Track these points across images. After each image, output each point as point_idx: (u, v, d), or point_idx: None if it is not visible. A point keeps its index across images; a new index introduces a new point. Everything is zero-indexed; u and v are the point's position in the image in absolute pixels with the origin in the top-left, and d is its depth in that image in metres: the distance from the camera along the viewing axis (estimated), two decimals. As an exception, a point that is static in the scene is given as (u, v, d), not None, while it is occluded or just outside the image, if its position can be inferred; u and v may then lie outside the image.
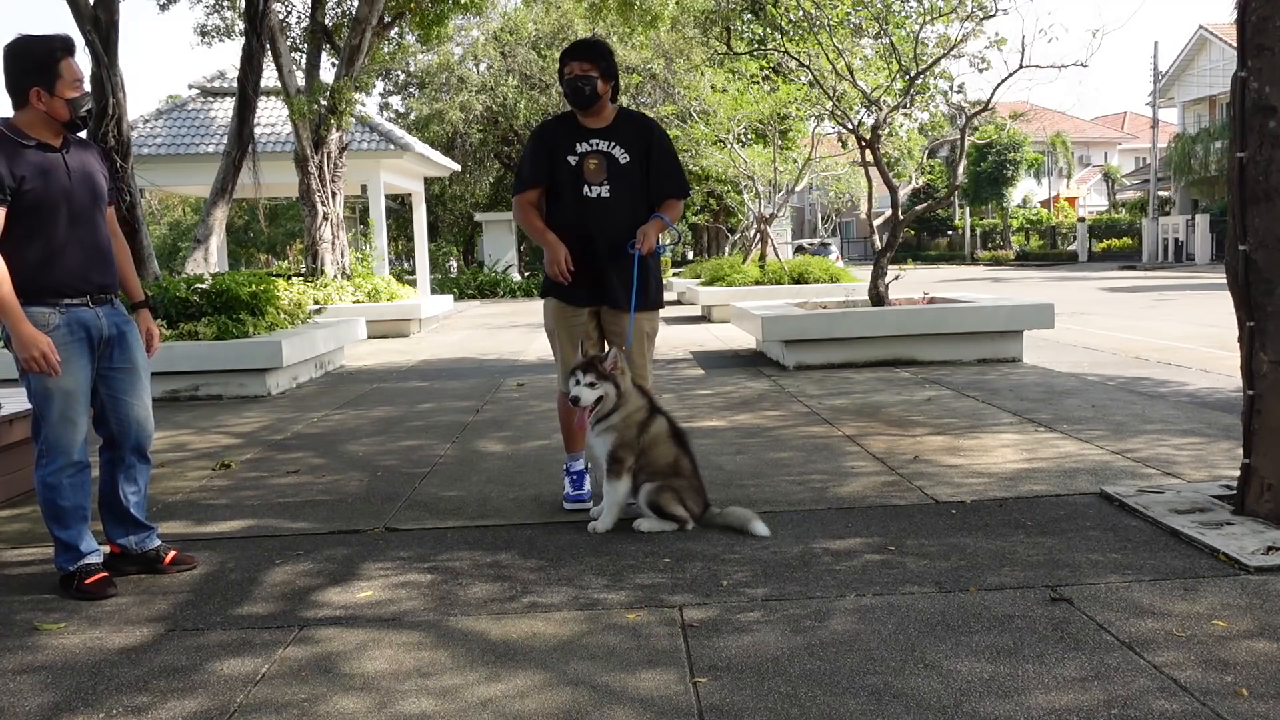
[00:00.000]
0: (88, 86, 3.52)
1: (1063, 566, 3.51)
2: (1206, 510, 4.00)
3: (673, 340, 12.13)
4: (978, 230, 50.47)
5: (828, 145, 23.44)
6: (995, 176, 47.06)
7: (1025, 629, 2.97)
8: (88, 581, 3.59)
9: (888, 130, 13.87)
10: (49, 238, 3.50)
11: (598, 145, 4.31)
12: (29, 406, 5.18)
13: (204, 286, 9.31)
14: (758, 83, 17.77)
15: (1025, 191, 50.97)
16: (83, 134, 3.73)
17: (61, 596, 3.59)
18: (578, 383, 4.05)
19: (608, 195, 4.30)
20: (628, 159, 4.32)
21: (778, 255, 17.95)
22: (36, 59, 3.45)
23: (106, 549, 3.84)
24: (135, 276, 3.96)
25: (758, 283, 16.25)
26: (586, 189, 4.30)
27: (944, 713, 2.49)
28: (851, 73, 10.88)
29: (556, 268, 4.31)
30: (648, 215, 4.36)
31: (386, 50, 19.03)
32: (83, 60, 3.64)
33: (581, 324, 4.43)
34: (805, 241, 40.44)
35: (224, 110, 20.58)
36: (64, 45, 3.50)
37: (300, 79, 16.21)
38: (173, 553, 3.88)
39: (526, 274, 31.79)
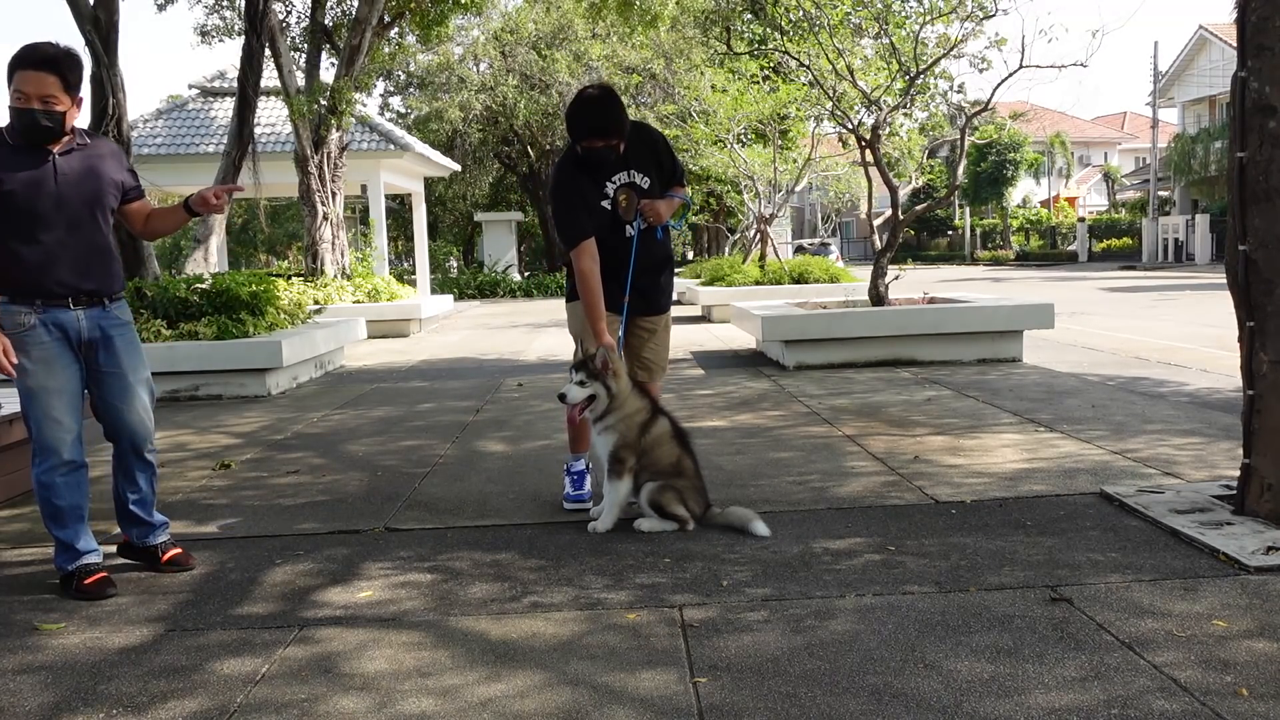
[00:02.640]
0: (51, 105, 3.49)
1: (1063, 566, 3.51)
2: (1206, 510, 4.00)
3: (673, 340, 12.04)
4: (978, 230, 50.47)
5: (828, 145, 23.43)
6: (995, 176, 47.05)
7: (1025, 629, 2.97)
8: (86, 582, 3.59)
9: (888, 130, 13.86)
10: (28, 239, 3.51)
11: (621, 179, 4.31)
12: (29, 407, 5.20)
13: (204, 286, 9.31)
14: (758, 83, 17.77)
15: (1025, 191, 50.97)
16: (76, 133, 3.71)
17: (61, 596, 3.60)
18: (569, 380, 4.07)
19: (645, 227, 4.34)
20: (648, 182, 4.35)
21: (778, 255, 17.94)
22: (7, 66, 3.51)
23: (120, 539, 3.90)
24: (171, 215, 3.92)
25: (758, 283, 16.26)
26: (628, 229, 4.32)
27: (944, 713, 2.49)
28: (851, 73, 10.88)
29: (604, 355, 4.18)
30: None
31: (386, 50, 19.01)
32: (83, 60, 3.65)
33: (613, 323, 4.36)
34: (805, 241, 40.43)
35: (224, 110, 20.58)
36: (25, 57, 3.46)
37: (300, 79, 16.21)
38: (171, 551, 3.88)
39: (526, 274, 31.82)
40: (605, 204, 4.28)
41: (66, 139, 3.61)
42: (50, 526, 3.67)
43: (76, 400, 3.65)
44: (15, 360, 3.49)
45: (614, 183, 4.29)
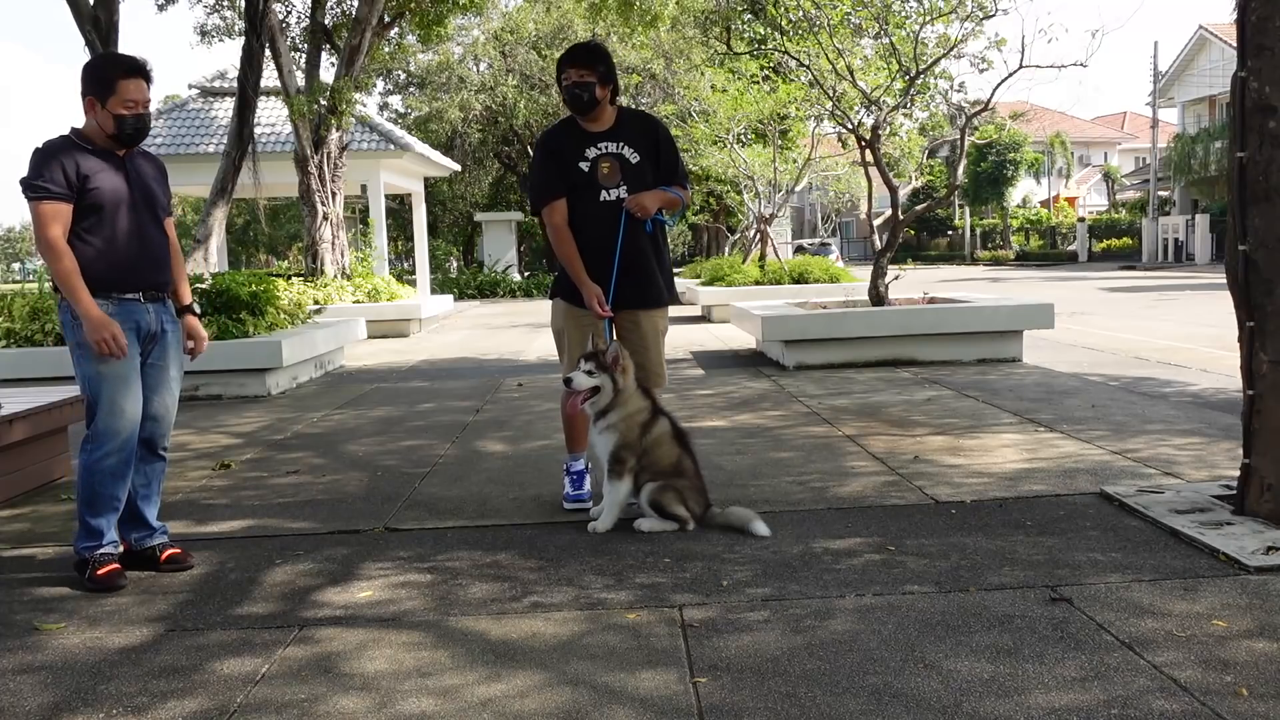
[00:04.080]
0: (148, 109, 3.79)
1: (1063, 566, 3.51)
2: (1206, 510, 4.00)
3: (673, 340, 12.05)
4: (978, 230, 50.46)
5: (828, 145, 23.43)
6: (995, 176, 47.04)
7: (1025, 629, 2.97)
8: (100, 572, 3.66)
9: (888, 130, 13.86)
10: (109, 236, 3.71)
11: (607, 148, 4.29)
12: (31, 406, 5.23)
13: (204, 286, 9.31)
14: (758, 83, 17.76)
15: (1025, 191, 50.95)
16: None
17: (74, 584, 3.64)
18: (578, 369, 4.08)
19: (625, 196, 4.28)
20: (638, 158, 4.32)
21: (778, 255, 17.94)
22: (99, 73, 3.74)
23: (120, 548, 3.89)
24: (185, 282, 4.15)
25: (758, 283, 16.25)
26: (604, 193, 4.27)
27: (944, 713, 2.49)
28: (851, 73, 10.88)
29: (594, 311, 4.24)
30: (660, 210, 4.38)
31: (386, 50, 19.03)
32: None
33: (593, 325, 4.36)
34: (805, 241, 40.41)
35: (224, 110, 20.57)
36: (131, 67, 3.74)
37: (300, 79, 16.21)
38: (169, 550, 3.89)
39: (526, 274, 31.82)
40: (583, 165, 4.27)
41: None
42: (83, 510, 3.74)
43: (138, 391, 3.78)
44: (125, 341, 3.65)
45: (599, 149, 4.28)
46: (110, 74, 3.71)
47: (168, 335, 3.90)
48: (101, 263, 3.69)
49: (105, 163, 3.72)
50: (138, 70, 3.75)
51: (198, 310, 4.17)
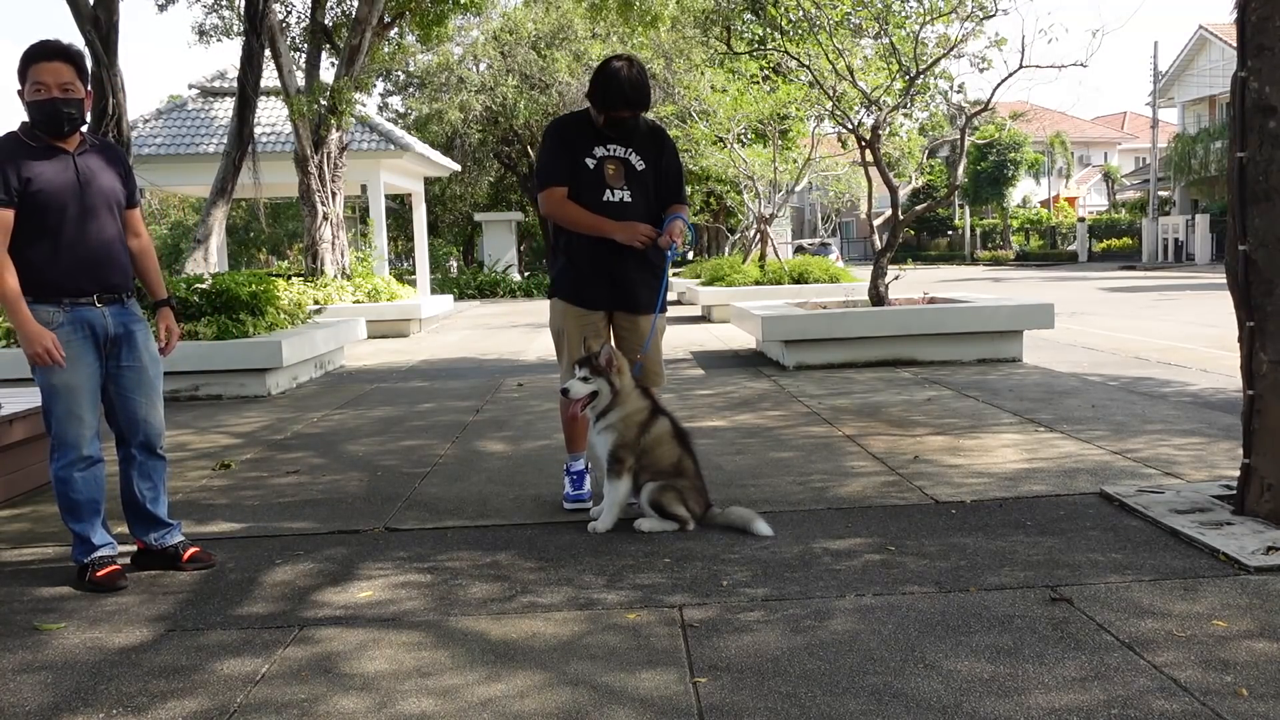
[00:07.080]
0: (68, 93, 3.57)
1: (1063, 566, 3.51)
2: (1206, 510, 4.00)
3: (673, 340, 12.10)
4: (978, 230, 50.48)
5: (828, 145, 23.43)
6: (995, 176, 47.07)
7: (1025, 629, 2.97)
8: (99, 574, 3.65)
9: (888, 130, 13.87)
10: (55, 237, 3.58)
11: (615, 151, 4.30)
12: (31, 406, 5.24)
13: (204, 286, 9.31)
14: (758, 83, 17.76)
15: (1025, 191, 50.98)
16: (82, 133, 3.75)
17: (76, 589, 3.64)
18: (573, 376, 4.08)
19: (629, 200, 4.29)
20: (643, 166, 4.34)
21: (778, 255, 17.94)
22: (18, 64, 3.59)
23: (134, 547, 3.90)
24: (159, 276, 4.05)
25: (758, 283, 16.26)
26: (609, 193, 4.28)
27: (944, 713, 2.49)
28: (851, 73, 10.87)
29: (643, 237, 4.22)
30: (659, 220, 4.40)
31: (386, 50, 19.01)
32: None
33: (593, 324, 4.39)
34: (805, 241, 40.40)
35: (224, 110, 20.57)
36: (38, 51, 3.57)
37: (300, 79, 16.21)
38: (191, 549, 3.90)
39: (526, 274, 31.83)
40: (589, 161, 4.28)
41: (78, 139, 3.68)
42: (67, 520, 3.72)
43: (97, 397, 3.72)
44: (63, 353, 3.55)
45: (608, 150, 4.28)
46: (23, 62, 3.54)
47: (135, 335, 3.78)
48: (51, 268, 3.56)
49: (51, 160, 3.56)
50: (49, 52, 3.55)
51: (174, 305, 4.08)
